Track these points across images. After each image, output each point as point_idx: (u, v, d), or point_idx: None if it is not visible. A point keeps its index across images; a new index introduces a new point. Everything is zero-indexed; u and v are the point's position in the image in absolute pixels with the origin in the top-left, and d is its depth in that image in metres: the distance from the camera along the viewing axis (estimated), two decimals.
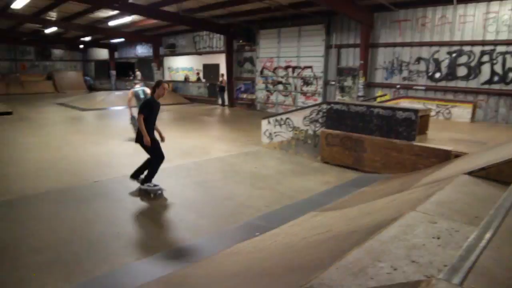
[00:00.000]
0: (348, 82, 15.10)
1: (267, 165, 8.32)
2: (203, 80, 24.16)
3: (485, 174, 3.60)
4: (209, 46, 22.35)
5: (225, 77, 20.47)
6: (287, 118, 9.50)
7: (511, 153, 3.74)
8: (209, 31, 21.07)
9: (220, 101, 21.14)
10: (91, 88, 32.09)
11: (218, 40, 21.43)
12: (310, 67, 16.36)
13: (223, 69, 21.07)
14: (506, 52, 11.13)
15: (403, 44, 13.41)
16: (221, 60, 21.48)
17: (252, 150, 9.65)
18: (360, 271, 1.89)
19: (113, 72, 31.68)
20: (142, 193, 6.12)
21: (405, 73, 13.48)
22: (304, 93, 16.82)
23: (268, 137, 9.87)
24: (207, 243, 4.49)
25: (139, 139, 5.93)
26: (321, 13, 14.98)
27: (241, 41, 19.40)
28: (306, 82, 16.66)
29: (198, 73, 25.04)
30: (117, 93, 22.37)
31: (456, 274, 1.70)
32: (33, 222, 4.95)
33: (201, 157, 8.84)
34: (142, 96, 9.59)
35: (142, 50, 28.60)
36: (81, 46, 33.40)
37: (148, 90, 9.43)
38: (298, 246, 3.12)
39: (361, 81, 14.24)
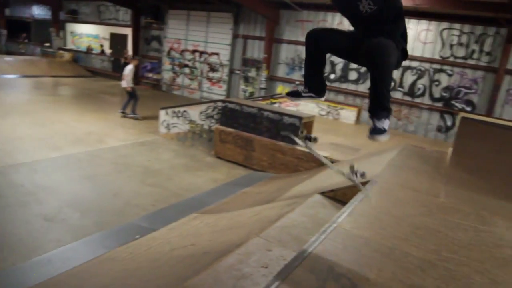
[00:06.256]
0: (252, 73, 15.66)
1: (161, 158, 8.50)
2: (108, 53, 22.91)
3: (333, 195, 4.29)
4: (115, 19, 21.22)
5: (130, 53, 19.67)
6: (185, 111, 9.71)
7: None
8: (113, 2, 19.95)
9: None
10: None
11: (124, 14, 20.43)
12: (217, 53, 16.60)
13: (131, 41, 20.30)
14: None
15: (304, 43, 14.23)
16: (129, 32, 20.55)
17: (149, 140, 9.70)
18: None
19: (4, 31, 28.00)
20: None
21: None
22: (209, 79, 17.05)
23: (165, 128, 9.97)
24: (86, 246, 4.62)
25: None
26: (230, 2, 15.15)
27: (148, 18, 18.80)
28: (212, 68, 16.89)
29: (102, 45, 23.67)
30: (8, 58, 20.14)
31: None
32: None
33: (95, 145, 8.67)
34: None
35: (39, 12, 26.00)
36: None
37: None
38: (164, 260, 3.47)
39: (264, 73, 14.88)
